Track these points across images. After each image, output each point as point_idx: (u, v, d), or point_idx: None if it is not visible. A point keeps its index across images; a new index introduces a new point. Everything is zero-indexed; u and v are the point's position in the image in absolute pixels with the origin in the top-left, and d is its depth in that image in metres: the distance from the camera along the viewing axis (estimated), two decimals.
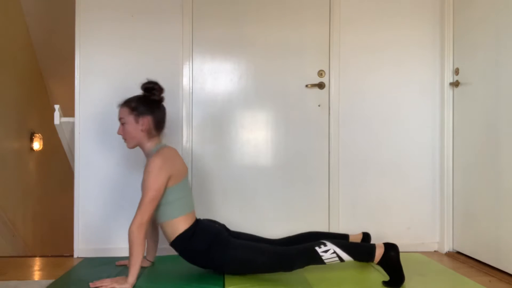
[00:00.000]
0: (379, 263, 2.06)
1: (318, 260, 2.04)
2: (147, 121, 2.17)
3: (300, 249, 2.10)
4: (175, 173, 2.14)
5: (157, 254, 2.65)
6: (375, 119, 2.85)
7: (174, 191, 2.13)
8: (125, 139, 2.23)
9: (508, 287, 2.15)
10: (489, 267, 2.42)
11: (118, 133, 2.25)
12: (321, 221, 2.82)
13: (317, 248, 2.05)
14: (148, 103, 2.21)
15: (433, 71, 2.87)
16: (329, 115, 2.83)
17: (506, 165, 2.29)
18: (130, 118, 2.18)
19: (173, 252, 2.65)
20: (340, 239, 2.45)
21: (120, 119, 2.24)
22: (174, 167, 2.14)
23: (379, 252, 2.06)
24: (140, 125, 2.17)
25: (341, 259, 2.04)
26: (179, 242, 2.15)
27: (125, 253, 2.64)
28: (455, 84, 2.77)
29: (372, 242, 2.54)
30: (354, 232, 2.71)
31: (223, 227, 2.33)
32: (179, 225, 2.13)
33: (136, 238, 1.99)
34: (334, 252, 2.03)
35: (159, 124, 2.23)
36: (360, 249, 2.10)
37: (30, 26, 4.06)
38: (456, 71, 2.77)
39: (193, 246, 2.12)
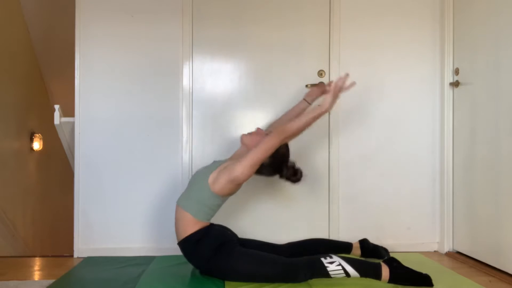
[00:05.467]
0: (394, 281, 2.02)
1: (323, 271, 2.00)
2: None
3: (305, 260, 2.06)
4: (235, 190, 2.21)
5: (158, 254, 2.65)
6: (375, 119, 2.85)
7: (219, 200, 2.17)
8: (247, 142, 2.31)
9: (508, 287, 2.15)
10: (489, 267, 2.42)
11: (250, 132, 2.36)
12: (321, 220, 2.82)
13: (322, 259, 2.02)
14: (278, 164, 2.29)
15: (433, 71, 2.87)
16: (329, 115, 2.83)
17: (506, 165, 2.29)
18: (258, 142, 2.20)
19: (174, 252, 2.66)
20: (344, 247, 2.48)
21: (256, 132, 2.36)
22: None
23: (385, 271, 2.02)
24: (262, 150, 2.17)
25: (347, 273, 1.98)
26: (186, 244, 2.14)
27: (125, 253, 2.67)
28: (455, 84, 2.77)
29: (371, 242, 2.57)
30: (353, 231, 2.72)
31: (234, 235, 2.30)
32: (194, 226, 2.13)
33: (285, 130, 2.14)
34: (340, 264, 1.99)
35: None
36: (367, 265, 2.06)
37: (30, 26, 4.05)
38: (456, 71, 2.77)
39: (199, 250, 2.12)
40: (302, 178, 2.29)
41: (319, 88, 2.55)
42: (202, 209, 2.14)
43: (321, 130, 2.83)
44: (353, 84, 2.21)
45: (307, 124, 2.18)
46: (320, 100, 2.81)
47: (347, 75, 2.18)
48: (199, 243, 2.12)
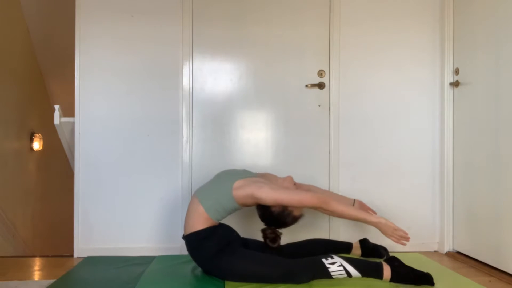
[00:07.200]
0: (395, 280, 2.03)
1: (324, 272, 2.00)
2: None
3: (306, 261, 2.07)
4: (251, 205, 2.22)
5: (158, 254, 2.65)
6: (375, 119, 2.85)
7: (235, 205, 2.17)
8: (288, 183, 2.34)
9: (508, 287, 2.15)
10: (489, 267, 2.42)
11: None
12: (322, 220, 2.82)
13: (323, 259, 2.02)
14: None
15: (433, 71, 2.87)
16: (329, 115, 2.83)
17: (506, 165, 2.29)
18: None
19: (174, 252, 2.67)
20: (344, 247, 2.48)
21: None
22: None
23: (386, 271, 2.03)
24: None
25: (348, 274, 1.99)
26: (192, 239, 2.15)
27: (125, 253, 2.66)
28: (455, 84, 2.77)
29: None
30: (353, 231, 2.73)
31: (238, 236, 2.31)
32: (204, 223, 2.13)
33: (319, 201, 2.13)
34: (341, 265, 2.00)
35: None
36: (368, 265, 2.07)
37: (30, 26, 4.06)
38: (456, 71, 2.78)
39: (204, 248, 2.12)
40: (275, 245, 2.23)
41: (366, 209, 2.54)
42: (216, 207, 2.14)
43: (321, 130, 2.83)
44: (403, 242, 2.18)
45: (347, 216, 2.23)
46: (320, 101, 2.83)
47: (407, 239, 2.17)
48: (205, 240, 2.12)
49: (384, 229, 2.18)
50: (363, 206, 2.54)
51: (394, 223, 2.86)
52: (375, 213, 2.49)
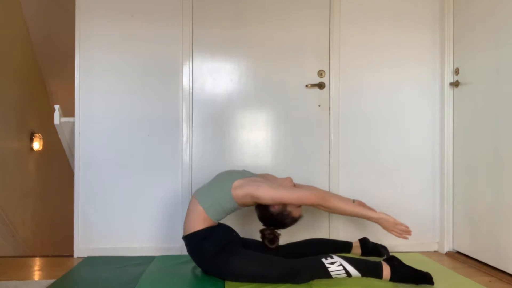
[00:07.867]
0: (395, 280, 2.04)
1: (324, 271, 2.00)
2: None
3: (306, 261, 2.07)
4: (250, 204, 2.22)
5: (158, 254, 2.65)
6: (375, 119, 2.85)
7: (234, 205, 2.17)
8: (288, 182, 2.33)
9: (508, 287, 2.15)
10: (489, 267, 2.42)
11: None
12: (321, 220, 2.82)
13: (323, 259, 2.02)
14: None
15: (433, 71, 2.87)
16: (329, 115, 2.83)
17: (506, 165, 2.29)
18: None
19: (174, 252, 2.67)
20: (344, 246, 2.48)
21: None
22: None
23: (386, 270, 2.03)
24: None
25: (348, 274, 1.99)
26: (191, 239, 2.15)
27: (125, 253, 2.66)
28: (455, 84, 2.77)
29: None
30: (353, 231, 2.73)
31: (237, 236, 2.31)
32: (203, 223, 2.14)
33: (319, 198, 2.15)
34: (341, 264, 1.99)
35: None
36: (367, 264, 2.07)
37: (30, 26, 4.06)
38: (456, 71, 2.78)
39: (203, 248, 2.12)
40: (273, 246, 2.24)
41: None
42: (216, 207, 2.15)
43: (321, 130, 2.83)
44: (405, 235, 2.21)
45: (346, 213, 2.24)
46: (320, 101, 2.83)
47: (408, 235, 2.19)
48: (204, 241, 2.12)
49: (385, 224, 2.19)
50: (362, 205, 2.54)
51: None
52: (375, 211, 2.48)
